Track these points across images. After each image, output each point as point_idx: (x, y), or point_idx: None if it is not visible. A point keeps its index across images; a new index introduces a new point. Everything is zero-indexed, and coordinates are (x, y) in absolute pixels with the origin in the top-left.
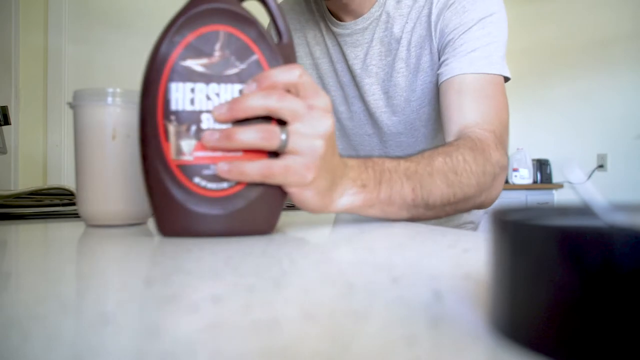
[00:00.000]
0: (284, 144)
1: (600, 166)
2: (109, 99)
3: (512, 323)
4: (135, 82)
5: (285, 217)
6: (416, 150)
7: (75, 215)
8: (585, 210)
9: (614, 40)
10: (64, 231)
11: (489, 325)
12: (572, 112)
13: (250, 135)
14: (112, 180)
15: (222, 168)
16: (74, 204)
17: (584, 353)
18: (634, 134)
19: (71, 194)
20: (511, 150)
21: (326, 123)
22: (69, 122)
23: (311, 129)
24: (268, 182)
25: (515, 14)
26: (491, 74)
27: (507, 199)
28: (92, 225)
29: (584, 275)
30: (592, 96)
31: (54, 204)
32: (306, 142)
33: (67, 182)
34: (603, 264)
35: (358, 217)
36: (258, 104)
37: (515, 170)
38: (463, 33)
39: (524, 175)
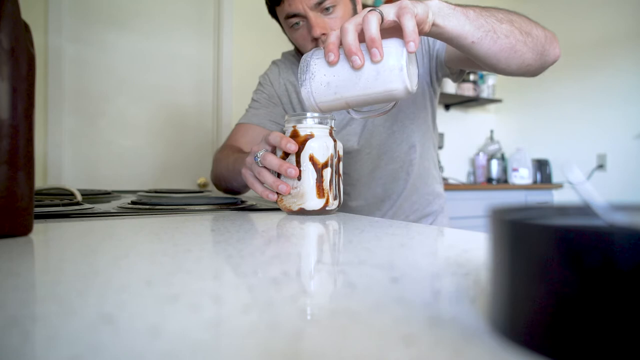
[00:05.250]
0: (381, 13)
1: (600, 166)
2: None
3: (512, 323)
4: (136, 82)
5: (286, 218)
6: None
7: (75, 215)
8: (585, 210)
9: (614, 40)
10: (65, 231)
11: (489, 325)
12: (572, 112)
13: (371, 22)
14: None
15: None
16: (74, 204)
17: (584, 352)
18: (634, 134)
19: (71, 194)
20: (510, 150)
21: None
22: (69, 122)
23: (374, 8)
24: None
25: None
26: None
27: (507, 199)
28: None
29: (583, 275)
30: (592, 96)
31: (54, 204)
32: (384, 6)
33: (67, 182)
34: (603, 263)
35: (357, 217)
36: (350, 34)
37: (514, 170)
38: None
39: (523, 175)
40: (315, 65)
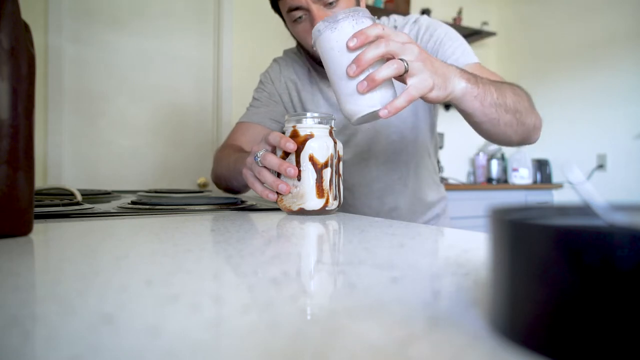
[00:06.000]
0: (407, 68)
1: (600, 166)
2: None
3: (512, 323)
4: (136, 82)
5: (286, 218)
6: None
7: (75, 215)
8: (585, 210)
9: (613, 40)
10: (65, 231)
11: (489, 325)
12: (572, 112)
13: (388, 71)
14: None
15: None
16: (74, 204)
17: (584, 352)
18: (634, 134)
19: (71, 194)
20: (510, 150)
21: (415, 49)
22: (69, 122)
23: (412, 55)
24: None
25: (515, 14)
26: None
27: (507, 199)
28: None
29: (583, 275)
30: (592, 96)
31: (54, 204)
32: (417, 64)
33: (67, 182)
34: (602, 263)
35: (357, 217)
36: (377, 52)
37: (514, 170)
38: (440, 45)
39: (523, 175)
40: (344, 26)
